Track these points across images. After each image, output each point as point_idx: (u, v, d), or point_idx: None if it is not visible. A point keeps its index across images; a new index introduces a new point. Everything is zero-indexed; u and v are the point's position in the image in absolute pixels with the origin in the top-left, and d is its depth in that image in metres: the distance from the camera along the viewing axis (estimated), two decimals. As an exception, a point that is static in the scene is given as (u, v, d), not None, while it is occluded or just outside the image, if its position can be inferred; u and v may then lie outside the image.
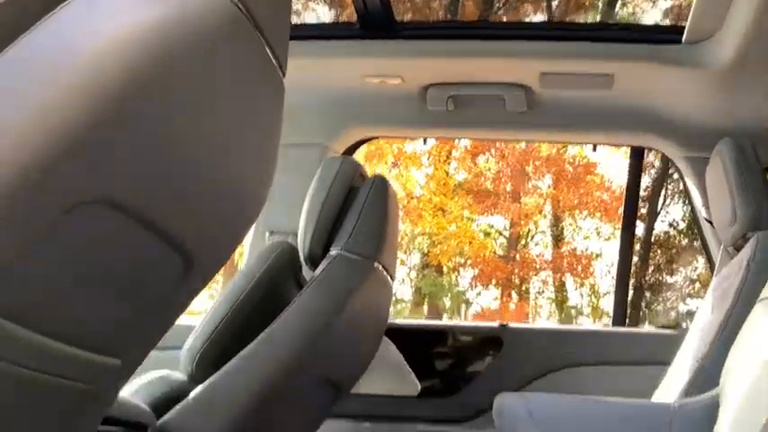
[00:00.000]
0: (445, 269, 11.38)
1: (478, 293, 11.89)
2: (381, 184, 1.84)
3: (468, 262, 11.39)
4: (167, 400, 1.58)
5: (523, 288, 11.83)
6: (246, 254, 2.28)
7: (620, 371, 2.08)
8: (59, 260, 0.69)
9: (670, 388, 1.32)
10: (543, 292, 11.91)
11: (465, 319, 11.99)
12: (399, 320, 2.39)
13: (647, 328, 3.55)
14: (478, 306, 11.81)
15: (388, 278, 1.86)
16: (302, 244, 1.81)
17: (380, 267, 1.79)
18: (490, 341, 2.23)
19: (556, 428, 1.14)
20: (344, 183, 1.81)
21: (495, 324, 2.26)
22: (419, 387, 2.21)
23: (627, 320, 2.74)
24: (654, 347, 2.09)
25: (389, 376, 2.21)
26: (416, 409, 2.20)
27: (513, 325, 2.22)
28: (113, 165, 0.67)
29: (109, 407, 1.02)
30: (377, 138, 2.58)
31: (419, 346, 2.28)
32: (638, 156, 2.82)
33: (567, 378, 2.11)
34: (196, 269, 0.86)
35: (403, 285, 11.98)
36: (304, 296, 1.68)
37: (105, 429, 1.34)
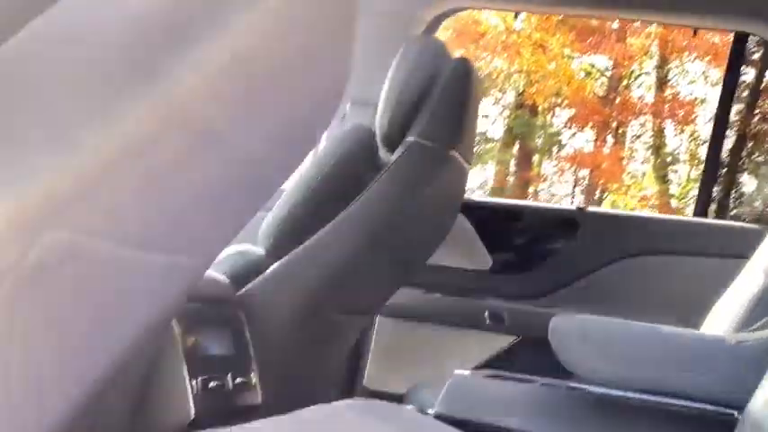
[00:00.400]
0: (540, 109, 11.16)
1: (573, 135, 11.69)
2: (464, 67, 1.80)
3: (565, 102, 11.13)
4: (246, 273, 1.68)
5: (620, 132, 11.55)
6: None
7: (697, 263, 2.07)
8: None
9: (728, 314, 1.32)
10: (641, 136, 11.61)
11: (555, 161, 11.89)
12: (476, 197, 2.41)
13: (728, 221, 3.43)
14: (571, 148, 11.65)
15: (464, 164, 1.87)
16: (380, 127, 1.81)
17: (456, 155, 1.79)
18: (566, 223, 2.24)
19: (607, 352, 1.17)
20: (425, 66, 1.77)
21: (573, 206, 2.25)
22: (491, 262, 2.26)
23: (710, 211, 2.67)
24: (734, 241, 2.06)
25: (462, 250, 2.26)
26: (487, 283, 2.26)
27: (590, 209, 2.21)
28: None
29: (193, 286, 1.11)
30: (467, 8, 2.49)
31: (494, 223, 2.31)
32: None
33: (641, 265, 2.12)
34: None
35: (494, 125, 11.87)
36: (379, 182, 1.71)
37: (189, 306, 1.46)
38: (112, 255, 0.83)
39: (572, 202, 11.71)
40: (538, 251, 2.28)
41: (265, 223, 1.73)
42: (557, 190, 12.16)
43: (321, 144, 1.92)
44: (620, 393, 1.21)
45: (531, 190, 12.52)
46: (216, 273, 1.64)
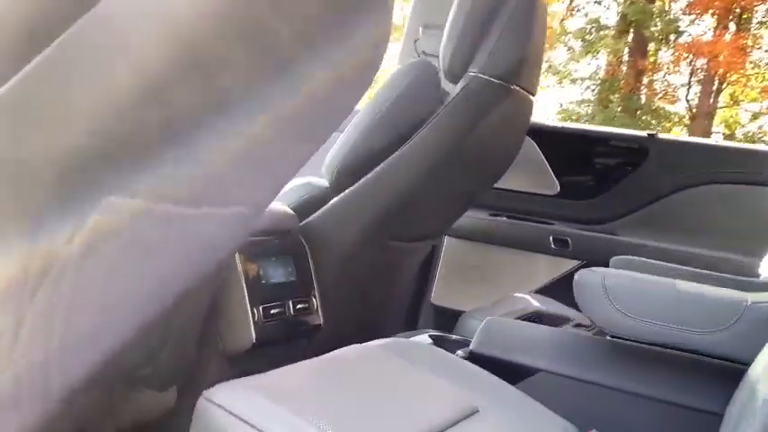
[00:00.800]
0: (657, -6, 10.60)
1: (692, 22, 11.08)
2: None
3: (685, -13, 10.52)
4: (310, 204, 1.77)
5: (744, 17, 10.86)
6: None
7: (766, 194, 2.03)
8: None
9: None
10: (767, 22, 10.91)
11: (672, 49, 11.33)
12: (545, 122, 2.41)
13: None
14: (689, 36, 11.08)
15: (527, 96, 1.88)
16: (442, 58, 1.83)
17: (517, 88, 1.80)
18: (635, 150, 2.22)
19: (627, 306, 1.22)
20: None
21: (644, 133, 2.22)
22: (558, 187, 2.29)
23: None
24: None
25: (530, 174, 2.29)
26: (553, 208, 2.30)
27: (661, 136, 2.18)
28: None
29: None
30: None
31: (563, 148, 2.32)
32: None
33: (708, 194, 2.10)
34: None
35: (607, 11, 11.37)
36: (440, 114, 1.75)
37: (252, 239, 1.58)
38: (168, 213, 0.95)
39: (687, 94, 11.22)
40: (605, 177, 2.28)
41: (329, 156, 1.80)
42: (672, 80, 11.67)
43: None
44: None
45: (644, 80, 12.05)
46: (281, 205, 1.75)
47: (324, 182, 1.83)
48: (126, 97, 0.81)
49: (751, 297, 1.16)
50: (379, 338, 1.73)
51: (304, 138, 1.10)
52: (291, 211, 1.74)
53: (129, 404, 1.38)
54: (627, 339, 1.28)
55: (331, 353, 1.20)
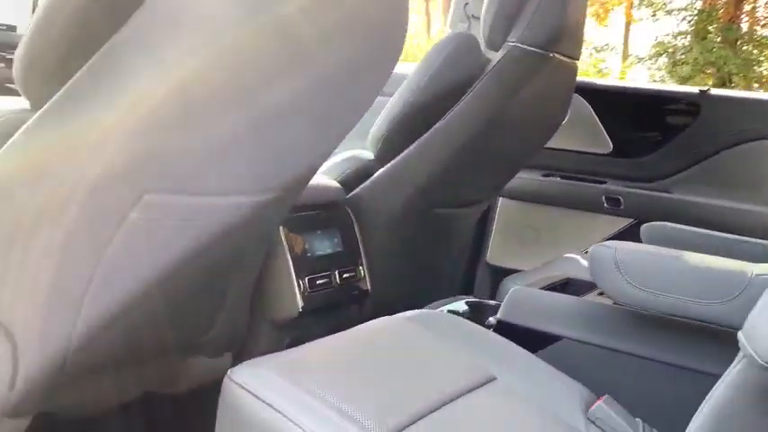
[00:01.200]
0: None
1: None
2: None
3: None
4: (356, 177, 1.86)
5: None
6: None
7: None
8: None
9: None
10: None
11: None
12: (595, 80, 2.40)
13: None
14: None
15: (570, 61, 1.89)
16: (483, 28, 1.85)
17: (558, 56, 1.82)
18: (687, 107, 2.20)
19: (637, 278, 1.27)
20: None
21: (696, 89, 2.19)
22: (611, 146, 2.30)
23: None
24: None
25: (583, 133, 2.30)
26: (605, 167, 2.31)
27: (713, 91, 2.14)
28: None
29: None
30: None
31: (614, 106, 2.31)
32: None
33: (761, 150, 2.07)
34: None
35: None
36: (481, 83, 1.79)
37: (300, 214, 1.68)
38: (200, 203, 1.06)
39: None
40: (658, 134, 2.27)
41: (373, 128, 1.87)
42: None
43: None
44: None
45: (745, 8, 11.47)
46: (328, 179, 1.84)
47: (369, 154, 1.90)
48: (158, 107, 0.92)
49: (757, 269, 1.19)
50: (428, 302, 1.83)
51: (336, 118, 1.20)
52: (338, 185, 1.82)
53: (186, 370, 1.52)
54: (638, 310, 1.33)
55: (357, 326, 1.29)
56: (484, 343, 1.34)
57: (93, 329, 1.05)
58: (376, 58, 1.10)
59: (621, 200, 2.24)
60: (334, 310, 1.73)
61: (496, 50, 1.83)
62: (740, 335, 0.75)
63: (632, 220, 2.22)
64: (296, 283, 1.61)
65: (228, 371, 1.07)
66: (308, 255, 1.66)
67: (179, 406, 1.54)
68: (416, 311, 1.38)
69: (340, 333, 1.28)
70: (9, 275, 1.00)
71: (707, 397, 0.86)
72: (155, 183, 0.97)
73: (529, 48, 1.78)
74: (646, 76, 12.16)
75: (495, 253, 2.41)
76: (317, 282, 1.66)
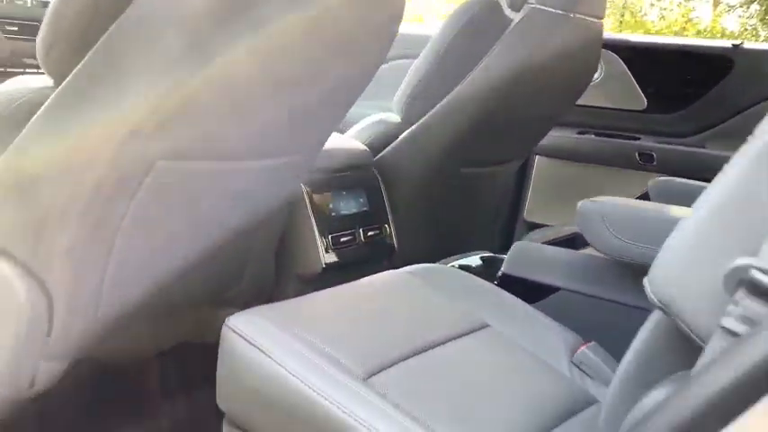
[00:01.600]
0: None
1: None
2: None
3: None
4: (384, 140, 1.93)
5: None
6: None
7: None
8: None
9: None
10: None
11: None
12: (629, 36, 2.39)
13: None
14: None
15: (592, 20, 1.89)
16: None
17: (579, 16, 1.83)
18: (721, 61, 2.18)
19: (621, 233, 1.32)
20: None
21: (728, 43, 2.16)
22: (645, 102, 2.29)
23: None
24: None
25: (616, 90, 2.31)
26: (638, 123, 2.31)
27: (746, 45, 2.11)
28: None
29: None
30: None
31: (647, 62, 2.31)
32: None
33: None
34: None
35: None
36: (501, 45, 1.82)
37: (332, 176, 1.77)
38: (220, 167, 1.17)
39: None
40: (690, 90, 2.26)
41: (399, 92, 1.93)
42: None
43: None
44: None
45: None
46: (355, 142, 1.93)
47: (396, 117, 1.96)
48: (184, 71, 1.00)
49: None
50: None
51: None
52: (365, 147, 1.90)
53: (218, 322, 1.65)
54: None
55: (359, 280, 1.38)
56: (482, 295, 1.40)
57: (120, 284, 1.15)
58: (377, 24, 1.18)
59: (654, 156, 2.24)
60: (360, 266, 1.81)
61: (518, 11, 1.86)
62: (645, 280, 0.81)
63: (666, 175, 2.22)
64: (319, 241, 1.71)
65: (226, 318, 1.15)
66: (333, 214, 1.75)
67: (212, 355, 1.66)
68: (420, 265, 1.46)
69: (342, 285, 1.34)
70: (45, 234, 1.08)
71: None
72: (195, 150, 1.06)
73: (549, 9, 1.80)
74: (737, 26, 11.64)
75: (532, 210, 2.46)
76: (341, 239, 1.75)
